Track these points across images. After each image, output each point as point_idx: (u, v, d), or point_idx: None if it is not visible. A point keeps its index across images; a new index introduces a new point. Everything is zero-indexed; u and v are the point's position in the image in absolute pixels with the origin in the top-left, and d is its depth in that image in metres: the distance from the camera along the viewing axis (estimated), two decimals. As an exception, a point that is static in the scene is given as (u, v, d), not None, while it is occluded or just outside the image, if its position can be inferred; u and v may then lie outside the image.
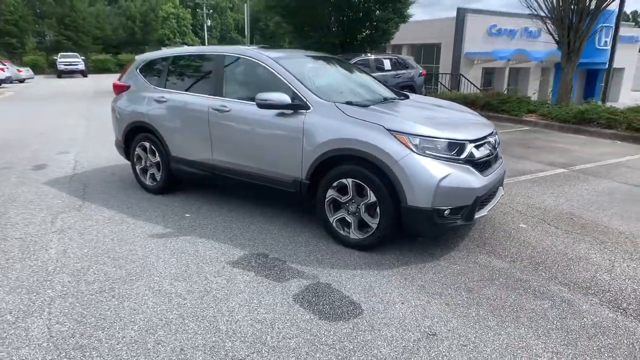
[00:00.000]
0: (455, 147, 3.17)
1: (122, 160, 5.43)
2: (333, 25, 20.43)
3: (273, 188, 3.80)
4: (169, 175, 4.62)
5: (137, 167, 4.89)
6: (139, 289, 2.83)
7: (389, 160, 3.07)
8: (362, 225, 3.35)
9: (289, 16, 20.21)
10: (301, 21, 20.11)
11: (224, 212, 4.26)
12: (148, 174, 4.81)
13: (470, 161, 3.21)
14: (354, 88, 4.32)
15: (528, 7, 11.11)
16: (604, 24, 26.29)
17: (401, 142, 3.09)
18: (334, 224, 3.48)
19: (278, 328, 2.45)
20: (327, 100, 3.50)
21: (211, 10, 60.65)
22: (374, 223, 3.26)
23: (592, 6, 10.16)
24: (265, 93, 3.53)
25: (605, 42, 24.35)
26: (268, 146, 3.74)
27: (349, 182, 3.30)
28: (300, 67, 4.03)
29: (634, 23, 41.35)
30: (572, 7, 10.25)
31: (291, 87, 3.63)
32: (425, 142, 3.10)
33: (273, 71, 3.79)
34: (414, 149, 3.07)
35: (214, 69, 4.20)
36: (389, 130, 3.15)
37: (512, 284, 2.95)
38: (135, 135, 4.81)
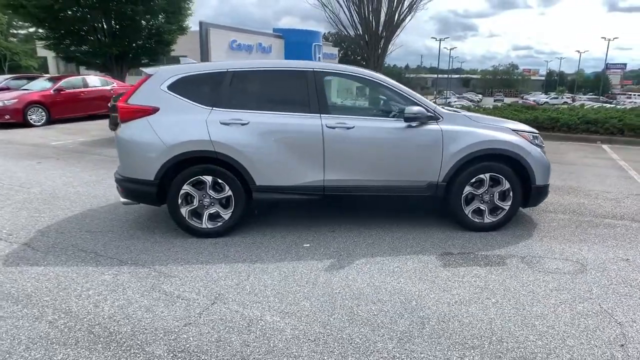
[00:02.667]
0: (537, 138, 4.36)
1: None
2: (104, 34, 17.99)
3: (398, 195, 4.03)
4: (244, 209, 3.96)
5: (184, 210, 3.89)
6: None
7: (523, 153, 3.99)
8: (493, 210, 4.12)
9: (43, 20, 16.56)
10: (60, 27, 16.85)
11: (333, 233, 4.09)
12: (205, 214, 3.92)
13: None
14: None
15: (338, 27, 13.41)
16: (316, 43, 33.45)
17: (525, 138, 4.07)
18: (469, 215, 4.10)
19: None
20: (448, 111, 4.06)
21: None
22: (506, 205, 4.09)
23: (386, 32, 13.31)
24: (411, 107, 3.79)
25: (319, 57, 30.87)
26: (401, 157, 3.95)
27: (486, 176, 4.02)
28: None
29: (332, 43, 52.60)
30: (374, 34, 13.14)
31: (415, 100, 3.98)
32: (533, 136, 4.18)
33: (393, 88, 4.01)
34: (532, 142, 4.09)
35: (310, 85, 3.93)
36: (514, 130, 4.06)
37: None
38: (180, 170, 3.82)
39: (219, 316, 2.70)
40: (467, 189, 4.05)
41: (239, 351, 2.36)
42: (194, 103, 3.87)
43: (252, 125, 3.82)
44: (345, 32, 14.16)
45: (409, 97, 4.03)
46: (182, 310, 2.77)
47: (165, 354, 2.33)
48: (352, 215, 4.56)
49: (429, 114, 3.93)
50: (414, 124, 3.92)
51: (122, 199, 4.10)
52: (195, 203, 3.90)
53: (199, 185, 3.87)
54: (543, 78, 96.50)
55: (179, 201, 3.87)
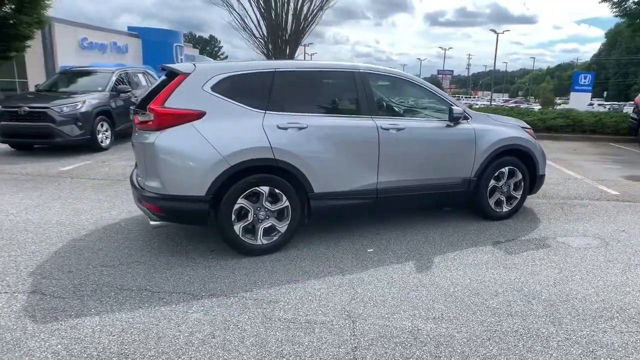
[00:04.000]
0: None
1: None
2: None
3: (433, 194, 4.22)
4: (301, 220, 3.68)
5: (238, 227, 3.44)
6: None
7: (532, 147, 4.56)
8: (508, 199, 4.60)
9: None
10: None
11: (379, 235, 4.07)
12: (260, 229, 3.52)
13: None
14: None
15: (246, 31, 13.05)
16: (177, 44, 31.94)
17: (530, 134, 4.65)
18: (492, 206, 4.50)
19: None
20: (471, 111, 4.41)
21: None
22: (517, 195, 4.61)
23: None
24: (455, 107, 4.01)
25: (181, 59, 29.61)
26: (444, 155, 4.15)
27: (505, 169, 4.47)
28: None
29: (191, 44, 50.60)
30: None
31: (448, 100, 4.23)
32: (533, 132, 4.80)
33: (429, 89, 4.17)
34: (534, 137, 4.70)
35: (359, 86, 3.83)
36: (523, 128, 4.61)
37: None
38: (233, 183, 3.37)
39: (378, 334, 2.49)
40: (492, 183, 4.44)
41: (439, 364, 2.24)
42: (245, 106, 3.44)
43: (310, 129, 3.56)
44: (254, 35, 13.84)
45: (442, 97, 4.25)
46: (334, 335, 2.47)
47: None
48: (380, 216, 4.57)
49: (465, 113, 4.20)
50: (452, 123, 4.15)
51: (154, 222, 3.42)
52: (250, 218, 3.47)
53: (253, 197, 3.46)
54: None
55: (232, 217, 3.40)
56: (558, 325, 2.62)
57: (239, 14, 13.83)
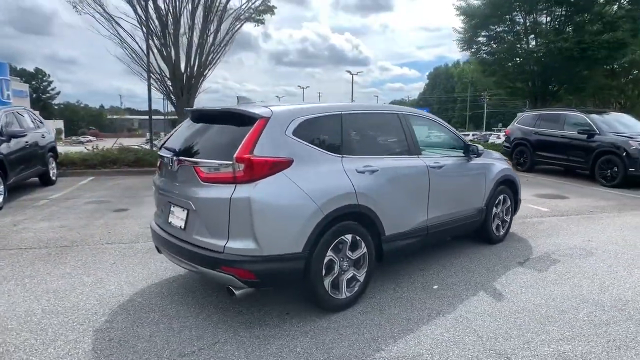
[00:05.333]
0: None
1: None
2: None
3: (459, 225, 4.54)
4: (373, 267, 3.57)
5: (327, 281, 3.17)
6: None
7: (515, 176, 5.26)
8: (503, 223, 5.17)
9: None
10: None
11: (424, 271, 4.16)
12: (343, 281, 3.29)
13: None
14: None
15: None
16: (3, 77, 27.57)
17: (509, 163, 5.36)
18: (494, 231, 5.01)
19: None
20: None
21: None
22: (508, 219, 5.24)
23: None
24: (470, 144, 4.45)
25: (8, 94, 25.87)
26: (467, 188, 4.52)
27: (502, 197, 5.06)
28: None
29: (18, 78, 44.12)
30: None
31: (461, 138, 4.65)
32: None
33: (448, 128, 4.52)
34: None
35: (405, 127, 3.95)
36: (505, 159, 5.30)
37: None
38: (324, 233, 3.10)
39: (545, 366, 2.56)
40: (494, 210, 4.95)
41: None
42: (324, 151, 3.24)
43: (381, 171, 3.52)
44: (153, 72, 12.62)
45: (456, 135, 4.65)
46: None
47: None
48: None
49: (478, 149, 4.65)
50: (469, 158, 4.56)
51: (239, 291, 2.89)
52: (336, 270, 3.22)
53: (337, 247, 3.22)
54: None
55: (323, 272, 3.11)
56: (647, 325, 3.06)
57: (131, 48, 12.56)
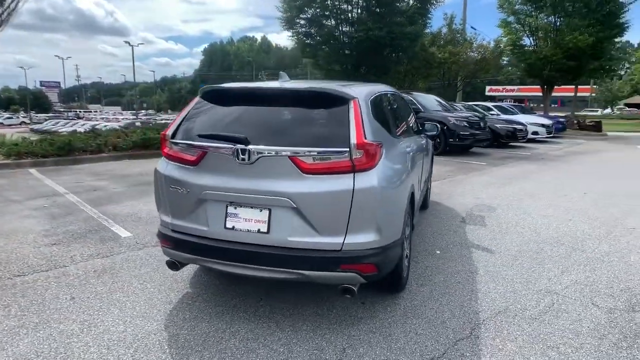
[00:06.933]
0: None
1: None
2: None
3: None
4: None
5: (405, 263, 3.24)
6: None
7: None
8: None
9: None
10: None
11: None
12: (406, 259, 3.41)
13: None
14: None
15: None
16: None
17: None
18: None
19: None
20: None
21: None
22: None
23: None
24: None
25: None
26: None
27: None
28: None
29: None
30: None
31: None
32: None
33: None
34: None
35: (409, 107, 4.18)
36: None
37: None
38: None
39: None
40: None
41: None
42: (387, 132, 3.17)
43: (411, 150, 3.72)
44: None
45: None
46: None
47: None
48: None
49: None
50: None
51: (355, 287, 2.65)
52: (407, 248, 3.33)
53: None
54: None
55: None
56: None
57: None
